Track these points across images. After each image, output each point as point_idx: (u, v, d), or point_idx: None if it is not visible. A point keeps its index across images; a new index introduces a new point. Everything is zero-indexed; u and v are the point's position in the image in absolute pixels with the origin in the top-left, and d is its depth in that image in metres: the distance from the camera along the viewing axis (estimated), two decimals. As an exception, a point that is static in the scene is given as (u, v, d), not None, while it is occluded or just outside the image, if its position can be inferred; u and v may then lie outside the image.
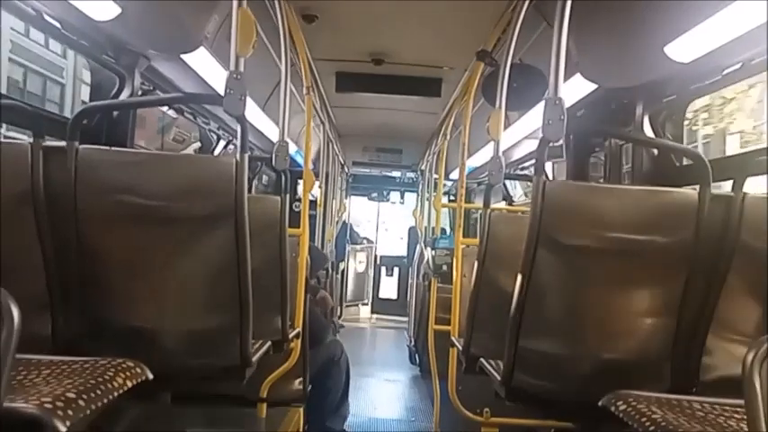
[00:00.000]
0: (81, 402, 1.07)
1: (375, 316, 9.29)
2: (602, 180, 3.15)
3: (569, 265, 1.56)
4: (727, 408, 1.31)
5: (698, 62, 2.15)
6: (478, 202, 6.22)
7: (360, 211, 10.96)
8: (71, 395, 1.06)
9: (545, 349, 1.61)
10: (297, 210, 3.43)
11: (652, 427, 1.15)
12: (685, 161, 2.45)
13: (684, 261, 1.53)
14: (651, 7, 2.10)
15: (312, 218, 4.00)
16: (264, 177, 5.81)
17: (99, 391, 1.14)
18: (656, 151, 2.58)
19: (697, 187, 1.57)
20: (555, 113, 1.47)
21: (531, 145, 4.33)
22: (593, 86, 2.67)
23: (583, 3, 1.58)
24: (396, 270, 9.69)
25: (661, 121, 2.58)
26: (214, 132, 4.07)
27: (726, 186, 1.81)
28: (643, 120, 2.51)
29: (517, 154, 4.64)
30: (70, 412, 1.02)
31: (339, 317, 7.40)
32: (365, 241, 9.91)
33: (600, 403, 1.37)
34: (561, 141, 2.80)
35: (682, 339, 1.56)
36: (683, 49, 2.13)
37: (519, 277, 1.52)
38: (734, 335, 1.52)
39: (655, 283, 1.57)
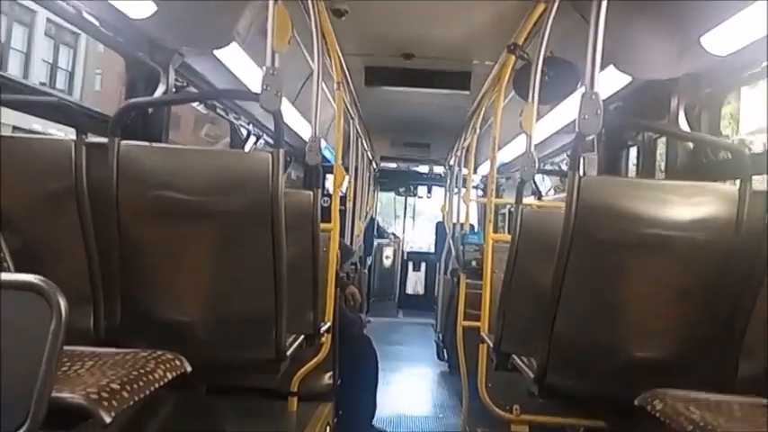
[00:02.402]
0: (125, 393, 1.09)
1: (401, 311, 9.29)
2: (634, 175, 3.11)
3: (605, 261, 1.54)
4: (767, 408, 1.28)
5: (736, 54, 2.11)
6: (506, 197, 6.18)
7: (387, 206, 10.97)
8: (115, 386, 1.09)
9: (580, 346, 1.60)
10: (325, 205, 3.44)
11: (690, 427, 1.14)
12: (722, 155, 2.40)
13: (723, 257, 1.50)
14: None
15: (341, 213, 4.01)
16: (293, 173, 5.85)
17: (141, 383, 1.16)
18: (690, 145, 2.53)
19: (735, 182, 1.54)
20: (591, 108, 1.45)
21: (561, 139, 4.29)
22: (627, 79, 2.63)
23: None
24: (423, 265, 9.67)
25: (696, 114, 2.53)
26: (245, 128, 4.11)
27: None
28: (678, 113, 2.46)
29: (547, 148, 4.59)
30: (115, 403, 1.05)
31: (366, 312, 7.42)
32: (392, 236, 9.91)
33: (636, 402, 1.35)
34: (593, 135, 2.77)
35: (719, 336, 1.53)
36: (721, 40, 2.08)
37: (554, 273, 1.51)
38: None
39: (692, 280, 1.55)
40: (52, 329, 0.93)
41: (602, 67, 1.53)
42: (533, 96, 2.15)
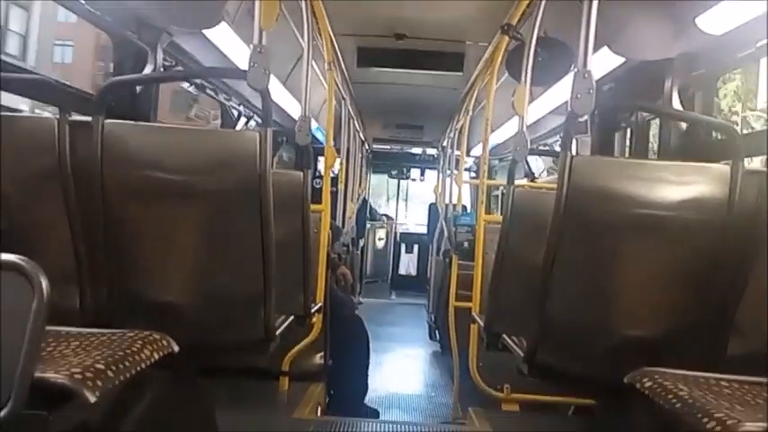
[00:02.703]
0: (110, 373, 1.08)
1: (394, 292, 9.33)
2: (626, 156, 3.10)
3: (596, 240, 1.54)
4: (756, 385, 1.29)
5: (730, 35, 2.09)
6: (499, 179, 6.17)
7: (379, 188, 10.97)
8: (100, 366, 1.08)
9: (570, 326, 1.60)
10: (317, 186, 3.43)
11: (678, 405, 1.14)
12: (714, 136, 2.39)
13: (715, 237, 1.50)
14: None
15: (332, 194, 4.00)
16: (285, 155, 5.82)
17: (127, 363, 1.16)
18: (684, 126, 2.52)
19: (728, 162, 1.53)
20: (584, 87, 1.44)
21: (554, 120, 4.28)
22: (621, 60, 2.62)
23: None
24: (415, 247, 9.69)
25: (690, 95, 2.52)
26: (235, 108, 4.07)
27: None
28: (672, 94, 2.45)
29: (540, 129, 4.58)
30: (99, 383, 1.04)
31: (359, 293, 7.44)
32: (384, 218, 9.92)
33: (625, 380, 1.36)
34: (586, 117, 2.76)
35: (710, 316, 1.54)
36: (715, 20, 2.07)
37: (545, 253, 1.50)
38: (763, 312, 1.50)
39: (683, 260, 1.55)
40: (34, 309, 0.92)
41: (596, 49, 1.51)
42: (526, 77, 2.14)
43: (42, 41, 16.79)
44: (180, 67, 2.89)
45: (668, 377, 1.27)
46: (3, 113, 1.55)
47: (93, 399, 1.00)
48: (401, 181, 10.54)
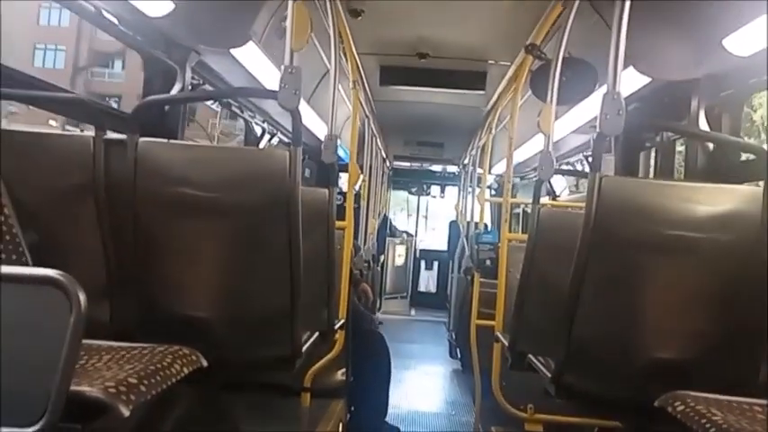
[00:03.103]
0: (142, 388, 1.10)
1: (414, 309, 9.29)
2: (651, 176, 3.08)
3: (625, 262, 1.53)
4: None
5: (757, 56, 2.08)
6: (520, 197, 6.15)
7: (399, 204, 10.98)
8: (132, 380, 1.10)
9: (598, 347, 1.59)
10: (338, 203, 3.45)
11: (712, 430, 1.12)
12: (743, 157, 2.37)
13: (746, 259, 1.48)
14: None
15: (355, 211, 4.02)
16: (307, 170, 5.86)
17: (159, 377, 1.17)
18: (711, 146, 2.50)
19: (758, 184, 1.52)
20: (613, 108, 1.44)
21: (576, 139, 4.26)
22: (646, 80, 2.61)
23: None
24: (435, 264, 9.66)
25: (716, 115, 2.50)
26: (259, 126, 4.12)
27: None
28: (699, 114, 2.43)
29: (562, 148, 4.56)
30: (132, 397, 1.06)
31: (379, 309, 7.43)
32: (405, 235, 9.91)
33: (656, 403, 1.34)
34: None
35: (742, 339, 1.51)
36: (743, 42, 2.06)
37: (572, 273, 1.50)
38: None
39: (714, 282, 1.53)
40: (71, 323, 0.94)
41: (623, 68, 1.52)
42: (552, 97, 2.14)
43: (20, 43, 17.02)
44: (207, 86, 2.94)
45: (701, 401, 1.26)
46: (39, 130, 1.59)
47: (126, 412, 1.02)
48: (421, 197, 10.55)
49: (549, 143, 2.09)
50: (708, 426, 1.14)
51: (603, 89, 1.49)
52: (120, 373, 1.13)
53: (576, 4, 2.02)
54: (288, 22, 1.54)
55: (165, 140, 1.61)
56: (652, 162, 3.18)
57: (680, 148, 2.95)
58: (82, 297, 0.95)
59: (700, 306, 1.55)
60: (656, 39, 2.30)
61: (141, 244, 1.56)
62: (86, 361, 1.23)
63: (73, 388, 0.98)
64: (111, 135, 1.59)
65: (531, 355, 1.92)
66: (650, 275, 1.54)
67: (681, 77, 2.46)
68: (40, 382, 0.93)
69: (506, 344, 2.15)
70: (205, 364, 1.38)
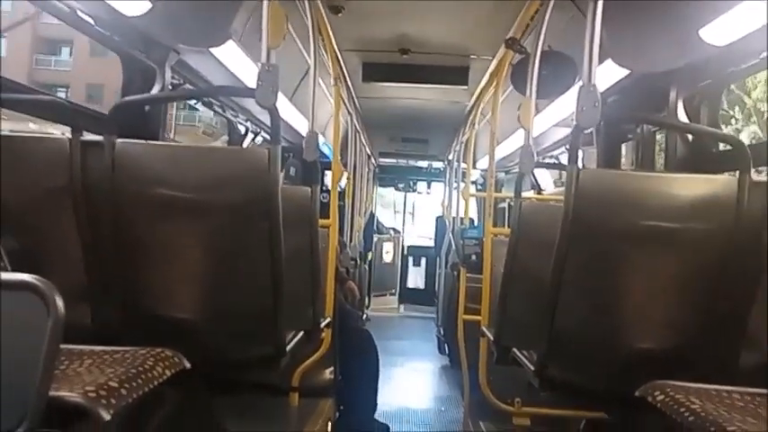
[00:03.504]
0: (123, 391, 1.09)
1: (402, 306, 9.31)
2: (632, 167, 3.10)
3: (604, 253, 1.54)
4: None
5: (734, 46, 2.10)
6: (505, 192, 6.17)
7: (386, 202, 10.99)
8: (114, 384, 1.09)
9: (580, 339, 1.60)
10: (324, 201, 3.45)
11: (691, 418, 1.14)
12: (721, 147, 2.39)
13: (723, 249, 1.50)
14: None
15: (339, 209, 4.02)
16: (291, 169, 5.84)
17: (140, 380, 1.16)
18: (690, 137, 2.53)
19: (735, 174, 1.53)
20: (589, 100, 1.45)
21: (559, 132, 4.28)
22: (625, 72, 2.62)
23: None
24: (423, 260, 9.68)
25: (695, 106, 2.52)
26: (242, 125, 4.10)
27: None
28: (677, 105, 2.46)
29: (545, 142, 4.58)
30: (113, 401, 1.05)
31: (367, 307, 7.43)
32: (392, 231, 9.92)
33: (637, 393, 1.35)
34: (592, 129, 2.77)
35: (721, 328, 1.53)
36: (719, 32, 2.08)
37: (553, 266, 1.51)
38: None
39: (692, 272, 1.55)
40: (50, 328, 0.93)
41: (600, 61, 1.53)
42: (531, 91, 2.15)
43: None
44: (188, 86, 2.92)
45: (680, 390, 1.27)
46: (15, 133, 1.57)
47: (107, 417, 1.01)
48: (407, 194, 10.57)
49: (529, 137, 2.10)
50: (686, 414, 1.15)
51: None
52: (101, 377, 1.12)
53: None
54: (263, 21, 1.54)
55: (143, 141, 1.60)
56: (635, 154, 3.21)
57: (660, 137, 2.98)
58: (59, 302, 0.94)
59: (678, 295, 1.56)
60: (634, 30, 2.31)
61: (121, 246, 1.55)
62: (66, 366, 1.22)
63: (52, 393, 0.97)
64: (88, 137, 1.57)
65: (515, 349, 1.93)
66: (629, 266, 1.55)
67: (659, 69, 2.48)
68: (18, 387, 0.92)
69: (492, 338, 2.17)
70: (188, 365, 1.37)
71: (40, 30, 21.39)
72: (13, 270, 1.41)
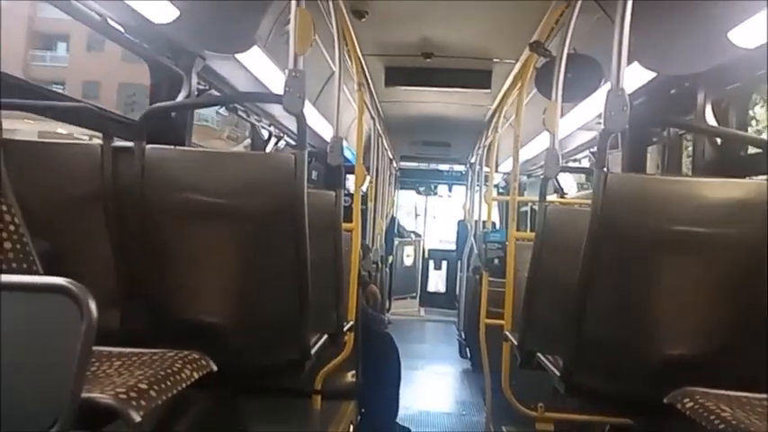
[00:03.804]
0: (153, 393, 1.11)
1: (423, 309, 9.29)
2: (658, 171, 3.07)
3: (632, 259, 1.53)
4: None
5: (763, 48, 2.07)
6: (528, 195, 6.13)
7: (407, 205, 10.98)
8: (143, 386, 1.11)
9: (607, 345, 1.58)
10: (347, 204, 3.46)
11: (722, 426, 1.12)
12: (750, 150, 2.36)
13: (755, 254, 1.47)
14: None
15: (362, 212, 4.03)
16: (314, 173, 5.88)
17: (169, 383, 1.18)
18: (719, 141, 2.49)
19: (765, 177, 1.51)
20: (617, 104, 1.43)
21: (582, 136, 4.25)
22: (651, 74, 2.60)
23: None
24: (444, 264, 9.65)
25: (723, 108, 2.49)
26: (266, 129, 4.14)
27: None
28: (705, 108, 2.42)
29: (569, 145, 4.55)
30: (143, 402, 1.06)
31: (388, 310, 7.43)
32: (413, 235, 9.91)
33: (666, 400, 1.34)
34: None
35: (752, 334, 1.51)
36: (748, 34, 2.04)
37: (580, 271, 1.49)
38: None
39: (723, 277, 1.52)
40: (83, 331, 0.95)
41: (627, 63, 1.51)
42: (557, 94, 2.14)
43: None
44: (213, 91, 2.95)
45: (711, 397, 1.25)
46: (48, 140, 1.61)
47: (138, 418, 1.03)
48: (429, 197, 10.55)
49: (554, 140, 2.09)
50: (717, 422, 1.13)
51: (608, 85, 1.48)
52: (131, 379, 1.14)
53: (579, 1, 2.01)
54: (291, 27, 1.55)
55: (172, 147, 1.62)
56: (661, 157, 3.17)
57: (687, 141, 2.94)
58: (92, 305, 0.95)
59: (709, 301, 1.54)
60: (661, 33, 2.29)
61: (150, 250, 1.57)
62: (97, 367, 1.25)
63: (84, 395, 0.99)
64: (119, 143, 1.60)
65: (540, 354, 1.92)
66: (658, 271, 1.53)
67: (686, 71, 2.45)
68: (52, 389, 0.94)
69: (515, 343, 2.15)
70: (215, 368, 1.39)
71: (35, 24, 20.98)
72: (45, 274, 1.44)
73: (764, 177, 1.53)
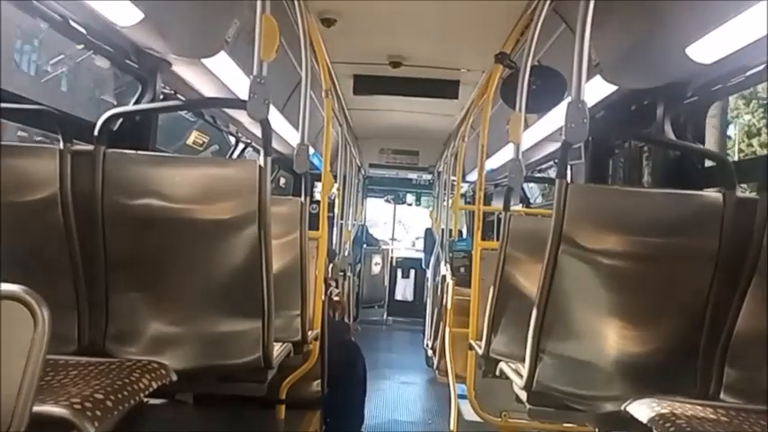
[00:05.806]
0: (109, 403, 1.08)
1: (391, 318, 9.28)
2: (620, 182, 3.13)
3: (591, 268, 1.55)
4: (753, 414, 1.30)
5: (720, 63, 2.13)
6: (495, 205, 6.20)
7: (375, 213, 10.99)
8: (99, 396, 1.08)
9: (567, 353, 1.60)
10: (314, 212, 3.45)
11: None
12: (708, 163, 2.42)
13: (709, 265, 1.51)
14: (673, 7, 2.08)
15: (329, 220, 4.02)
16: (282, 180, 5.84)
17: (126, 392, 1.16)
18: (677, 153, 2.55)
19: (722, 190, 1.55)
20: (578, 116, 1.46)
21: (549, 147, 4.31)
22: (613, 88, 2.66)
23: (603, 3, 1.57)
24: (411, 272, 9.67)
25: (682, 122, 2.55)
26: (233, 136, 4.10)
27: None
28: (664, 121, 2.48)
29: (534, 156, 4.61)
30: (99, 413, 1.04)
31: (355, 319, 7.41)
32: (381, 243, 9.91)
33: (622, 408, 1.36)
34: (580, 143, 2.79)
35: (706, 344, 1.54)
36: (706, 49, 2.10)
37: (541, 280, 1.51)
38: (760, 339, 1.50)
39: (679, 288, 1.56)
40: (35, 340, 0.92)
41: (590, 77, 1.54)
42: (520, 105, 2.16)
43: None
44: (179, 95, 2.92)
45: (666, 405, 1.28)
46: (4, 142, 1.56)
47: (92, 430, 1.00)
48: (397, 206, 10.57)
49: (518, 151, 2.12)
50: (672, 429, 1.16)
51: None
52: (87, 388, 1.11)
53: (544, 12, 2.05)
54: (257, 34, 1.54)
55: (134, 151, 1.60)
56: (622, 168, 3.24)
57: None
58: (46, 313, 0.93)
59: (665, 311, 1.57)
60: (621, 47, 2.35)
61: (110, 257, 1.54)
62: (52, 377, 1.21)
63: (37, 406, 0.96)
64: (78, 146, 1.56)
65: (503, 363, 1.93)
66: (616, 281, 1.56)
67: (645, 85, 2.51)
68: (2, 399, 0.91)
69: (479, 351, 2.17)
70: (174, 377, 1.36)
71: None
72: (1, 281, 1.40)
73: (717, 190, 1.56)
